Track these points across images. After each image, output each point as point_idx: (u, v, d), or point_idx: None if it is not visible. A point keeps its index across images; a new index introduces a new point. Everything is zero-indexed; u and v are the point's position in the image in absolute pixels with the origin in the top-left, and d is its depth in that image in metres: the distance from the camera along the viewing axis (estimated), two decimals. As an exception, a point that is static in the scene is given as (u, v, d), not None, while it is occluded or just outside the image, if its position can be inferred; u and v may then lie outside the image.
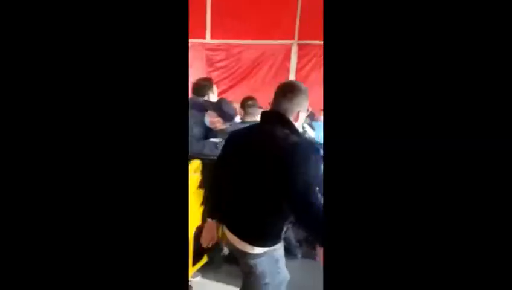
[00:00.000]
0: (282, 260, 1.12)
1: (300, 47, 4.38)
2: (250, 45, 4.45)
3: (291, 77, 4.40)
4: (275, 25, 4.34)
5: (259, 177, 0.97)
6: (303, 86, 1.08)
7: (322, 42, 4.20)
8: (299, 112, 1.05)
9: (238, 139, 1.12)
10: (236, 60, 4.42)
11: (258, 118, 2.03)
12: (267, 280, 1.06)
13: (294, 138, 0.99)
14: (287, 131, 1.01)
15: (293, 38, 4.34)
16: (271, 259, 1.03)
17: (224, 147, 1.18)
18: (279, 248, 1.07)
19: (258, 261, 1.01)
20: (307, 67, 4.40)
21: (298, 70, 4.42)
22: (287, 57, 4.42)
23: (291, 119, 1.04)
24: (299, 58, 4.40)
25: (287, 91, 1.06)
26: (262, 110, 2.09)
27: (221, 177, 1.14)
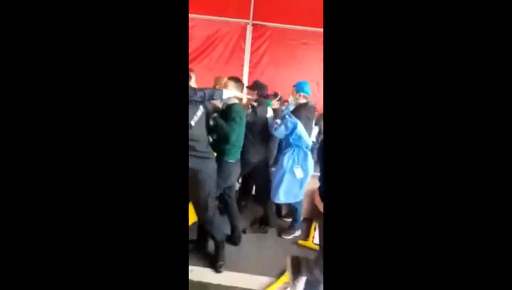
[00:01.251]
0: None
1: (255, 28, 4.37)
2: (204, 20, 4.27)
3: (246, 58, 4.40)
4: (229, 2, 4.22)
5: None
6: None
7: (276, 24, 4.27)
8: None
9: None
10: (190, 36, 4.22)
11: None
12: None
13: None
14: None
15: (248, 18, 4.29)
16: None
17: None
18: None
19: None
20: (261, 49, 4.44)
21: (253, 52, 4.43)
22: (242, 37, 4.38)
23: None
24: (254, 39, 4.40)
25: None
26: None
27: None
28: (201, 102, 1.65)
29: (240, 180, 2.92)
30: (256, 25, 4.34)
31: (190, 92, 1.55)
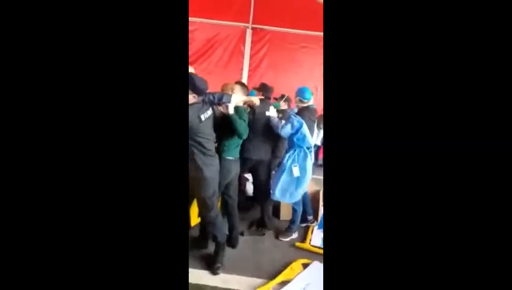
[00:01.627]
0: None
1: (255, 32, 4.40)
2: (204, 24, 4.29)
3: (246, 61, 4.43)
4: (229, 5, 4.25)
5: None
6: None
7: (275, 28, 4.31)
8: None
9: None
10: (190, 39, 4.24)
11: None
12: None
13: None
14: None
15: (247, 22, 4.32)
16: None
17: None
18: None
19: None
20: (261, 53, 4.46)
21: (252, 56, 4.46)
22: (242, 40, 4.40)
23: None
24: (253, 43, 4.43)
25: None
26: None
27: None
28: (211, 104, 1.72)
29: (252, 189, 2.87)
30: (256, 28, 4.38)
31: (203, 93, 1.63)
